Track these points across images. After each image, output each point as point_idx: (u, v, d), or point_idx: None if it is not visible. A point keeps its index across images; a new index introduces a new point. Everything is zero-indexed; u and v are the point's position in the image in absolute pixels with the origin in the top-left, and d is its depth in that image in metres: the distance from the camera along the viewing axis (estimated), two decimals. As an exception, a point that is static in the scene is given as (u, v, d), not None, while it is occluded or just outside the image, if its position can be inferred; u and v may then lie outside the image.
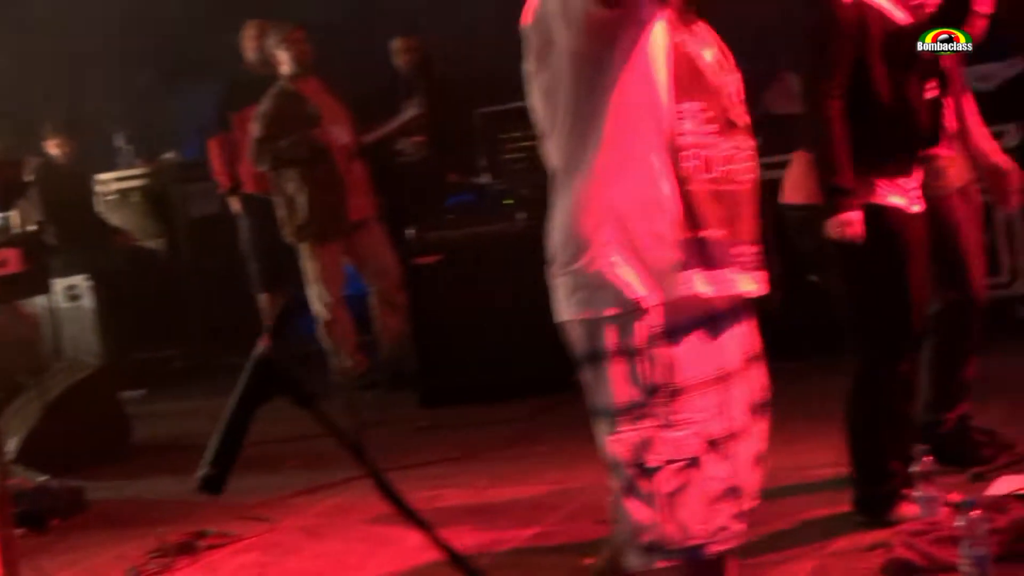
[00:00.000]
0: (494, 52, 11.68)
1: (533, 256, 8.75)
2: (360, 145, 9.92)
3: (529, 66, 3.88)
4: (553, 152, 3.89)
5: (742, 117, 3.83)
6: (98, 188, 12.17)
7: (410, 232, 9.36)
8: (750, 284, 3.81)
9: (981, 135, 6.10)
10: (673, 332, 3.72)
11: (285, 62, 9.72)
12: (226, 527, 6.75)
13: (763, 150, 8.77)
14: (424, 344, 9.14)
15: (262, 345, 3.17)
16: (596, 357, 3.75)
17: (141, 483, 8.26)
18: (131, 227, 12.13)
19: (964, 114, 6.02)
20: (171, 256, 12.15)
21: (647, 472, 3.70)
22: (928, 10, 5.67)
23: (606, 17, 3.65)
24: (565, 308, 3.84)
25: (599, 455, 3.84)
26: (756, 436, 3.90)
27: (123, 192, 12.27)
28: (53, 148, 11.59)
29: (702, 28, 3.85)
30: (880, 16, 5.44)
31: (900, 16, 5.51)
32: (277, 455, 8.01)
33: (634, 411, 3.71)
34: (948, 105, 5.85)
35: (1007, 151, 8.12)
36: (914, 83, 5.49)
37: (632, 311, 3.69)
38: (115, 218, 12.10)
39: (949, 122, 5.85)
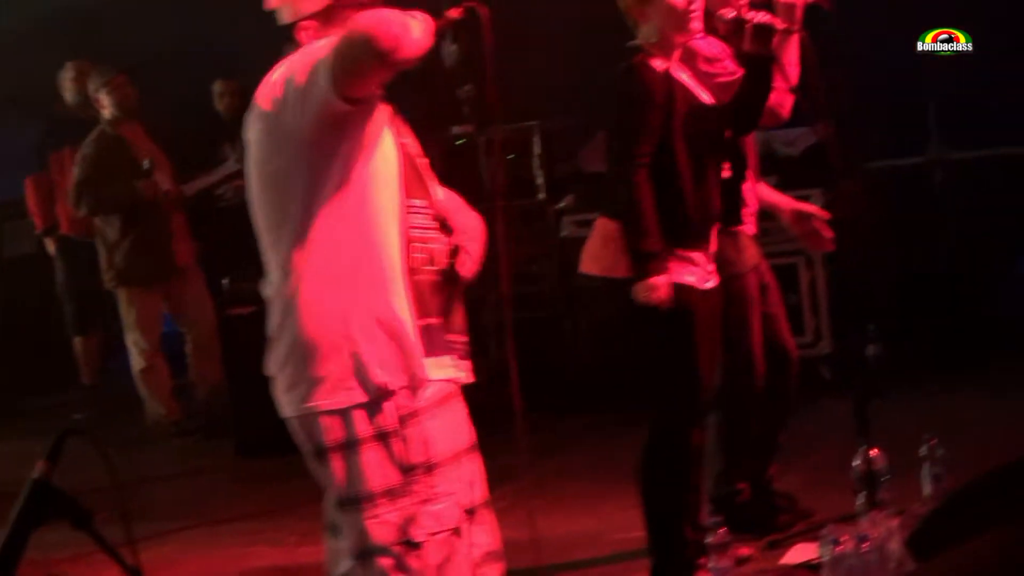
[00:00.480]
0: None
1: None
2: (181, 194, 9.83)
3: (254, 154, 3.99)
4: (276, 238, 3.98)
5: (444, 215, 4.09)
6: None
7: (225, 282, 9.26)
8: (463, 372, 4.14)
9: (774, 194, 6.20)
10: (417, 412, 3.93)
11: (108, 106, 9.61)
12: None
13: (577, 207, 8.99)
14: (239, 393, 9.02)
15: (39, 468, 3.13)
16: (349, 444, 3.91)
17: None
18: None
19: (758, 188, 6.11)
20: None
21: (415, 547, 3.90)
22: (723, 79, 5.75)
23: (344, 111, 3.82)
24: (294, 403, 3.98)
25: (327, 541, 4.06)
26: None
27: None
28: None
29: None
30: (685, 92, 5.50)
31: (704, 96, 5.58)
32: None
33: (393, 491, 3.88)
34: (748, 184, 5.93)
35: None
36: (711, 162, 5.56)
37: (380, 397, 3.88)
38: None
39: (749, 201, 5.92)
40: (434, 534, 3.93)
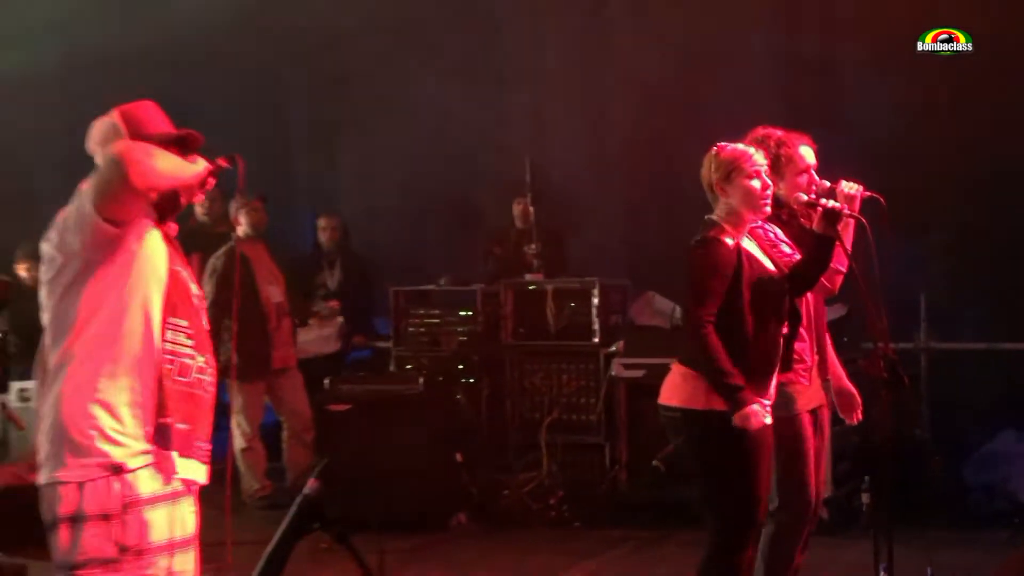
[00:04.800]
0: (402, 237, 11.97)
1: (424, 414, 8.93)
2: (286, 306, 9.92)
3: (44, 275, 4.06)
4: (54, 340, 4.03)
5: (208, 341, 4.12)
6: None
7: (326, 382, 9.32)
8: (202, 474, 4.08)
9: (834, 364, 6.23)
10: (138, 504, 3.92)
11: (243, 224, 9.70)
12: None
13: (626, 352, 9.04)
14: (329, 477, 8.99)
15: (311, 486, 3.17)
16: (76, 518, 3.87)
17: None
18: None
19: (823, 347, 6.14)
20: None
21: None
22: (784, 260, 5.81)
23: (109, 232, 3.88)
24: (46, 473, 3.95)
25: None
26: None
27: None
28: (22, 271, 11.39)
29: (191, 263, 4.12)
30: (752, 262, 5.55)
31: (769, 265, 5.65)
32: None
33: (108, 561, 3.87)
34: (806, 340, 5.96)
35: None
36: (772, 320, 5.60)
37: (107, 477, 3.86)
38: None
39: (806, 355, 5.96)
40: None
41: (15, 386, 10.65)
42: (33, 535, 8.01)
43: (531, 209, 10.67)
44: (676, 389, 5.60)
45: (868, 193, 5.87)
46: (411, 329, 10.15)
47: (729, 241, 5.49)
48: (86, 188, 3.89)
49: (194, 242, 10.14)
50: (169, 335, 3.96)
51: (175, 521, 4.02)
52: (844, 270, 6.04)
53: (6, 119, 12.02)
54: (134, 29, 11.95)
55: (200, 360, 4.04)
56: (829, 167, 6.03)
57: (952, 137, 10.02)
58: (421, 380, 9.20)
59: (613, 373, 9.27)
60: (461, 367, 9.84)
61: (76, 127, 4.42)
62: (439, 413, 9.25)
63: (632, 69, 11.29)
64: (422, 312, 10.08)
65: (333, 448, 8.94)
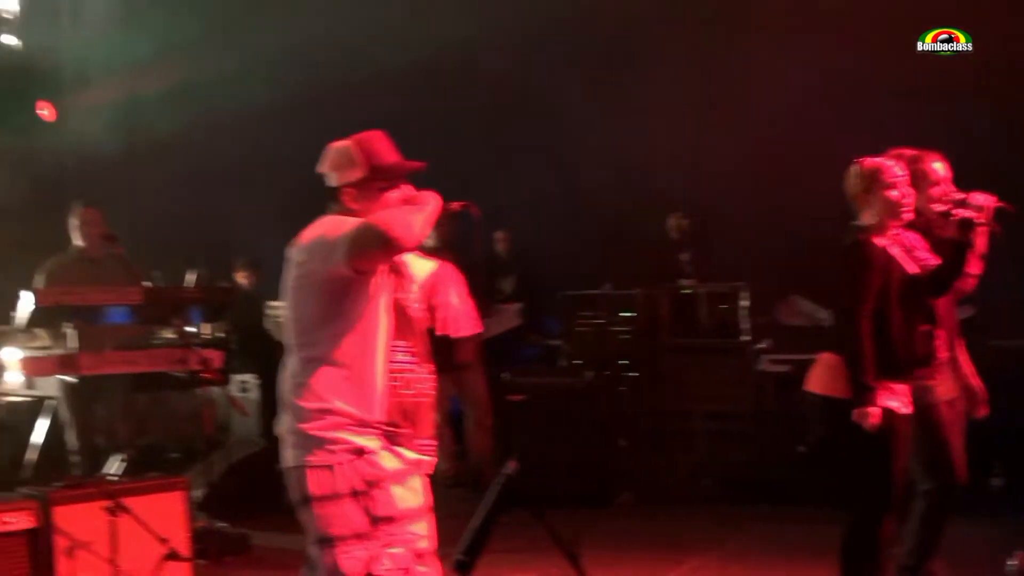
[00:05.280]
0: (571, 247, 11.98)
1: (592, 403, 8.94)
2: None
3: (289, 280, 4.06)
4: (298, 345, 4.05)
5: (428, 350, 4.14)
6: (269, 311, 12.20)
7: (505, 375, 9.36)
8: (426, 459, 4.07)
9: (965, 362, 6.07)
10: (385, 478, 3.96)
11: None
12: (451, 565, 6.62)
13: (774, 349, 8.95)
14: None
15: (510, 466, 3.17)
16: (329, 496, 3.94)
17: (287, 536, 8.12)
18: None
19: (955, 346, 6.00)
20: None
21: None
22: (930, 264, 5.70)
23: (352, 277, 3.93)
24: (292, 459, 4.01)
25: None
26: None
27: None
28: (242, 279, 11.66)
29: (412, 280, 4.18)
30: (898, 264, 5.47)
31: (911, 267, 5.55)
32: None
33: (361, 535, 3.91)
34: (941, 338, 5.84)
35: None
36: (917, 317, 5.50)
37: (352, 460, 3.92)
38: (278, 335, 12.09)
39: (941, 352, 5.83)
40: (391, 571, 3.94)
41: (236, 379, 10.89)
42: (254, 508, 8.35)
43: (684, 222, 10.59)
44: (821, 378, 5.57)
45: (999, 204, 5.73)
46: (579, 329, 10.14)
47: (879, 242, 5.43)
48: (342, 238, 3.90)
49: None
50: (396, 356, 4.01)
51: (414, 492, 4.08)
52: (977, 274, 5.90)
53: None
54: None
55: (421, 372, 4.09)
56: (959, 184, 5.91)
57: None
58: (588, 374, 9.25)
59: (761, 368, 9.18)
60: (624, 362, 9.80)
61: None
62: (604, 403, 9.24)
63: (776, 92, 11.15)
64: (589, 314, 10.07)
65: (510, 434, 8.96)
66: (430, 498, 4.21)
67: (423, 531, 4.12)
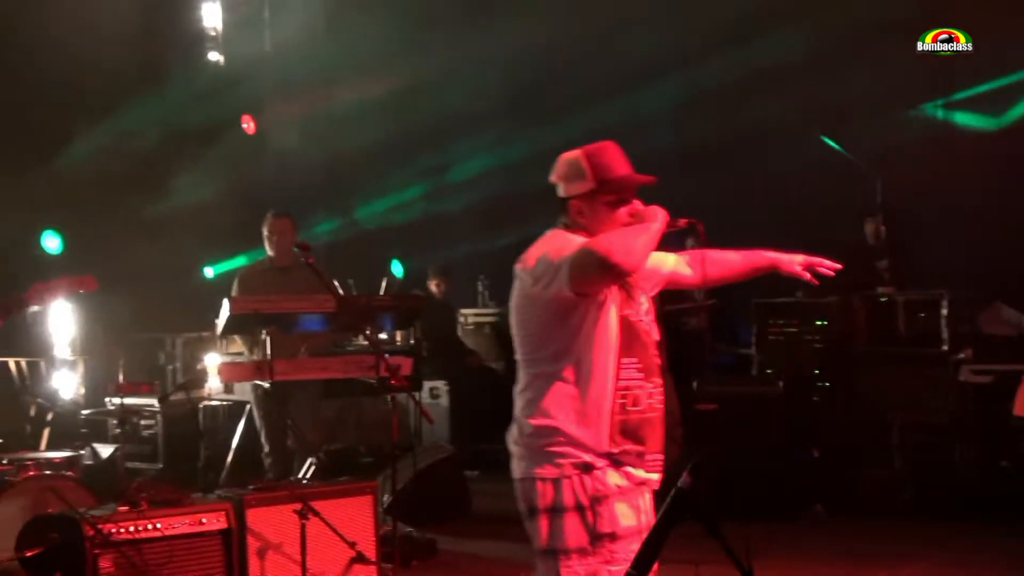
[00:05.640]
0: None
1: (784, 412, 8.74)
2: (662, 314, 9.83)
3: (516, 293, 3.99)
4: (526, 361, 4.00)
5: (658, 363, 4.01)
6: (461, 319, 12.33)
7: (696, 383, 9.23)
8: (652, 476, 3.99)
9: None
10: (609, 496, 3.87)
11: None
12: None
13: (975, 359, 8.68)
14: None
15: (685, 480, 3.10)
16: (554, 509, 3.89)
17: (476, 543, 8.21)
18: (481, 350, 12.19)
19: None
20: (508, 375, 12.06)
21: None
22: None
23: (576, 300, 3.84)
24: (520, 470, 3.96)
25: None
26: None
27: (478, 324, 12.41)
28: (433, 286, 11.78)
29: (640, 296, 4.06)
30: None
31: None
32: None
33: (584, 550, 3.84)
34: None
35: None
36: None
37: (580, 479, 3.86)
38: (470, 343, 12.22)
39: None
40: None
41: (427, 385, 11.02)
42: (442, 513, 8.40)
43: (882, 228, 10.30)
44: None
45: None
46: (771, 337, 9.93)
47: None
48: (564, 260, 3.81)
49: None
50: (623, 373, 3.93)
51: (639, 510, 4.01)
52: None
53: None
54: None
55: (649, 387, 4.00)
56: None
57: None
58: (781, 383, 9.04)
59: (962, 378, 8.85)
60: (817, 372, 9.56)
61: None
62: (797, 413, 9.03)
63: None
64: (781, 322, 9.84)
65: (701, 443, 8.81)
66: (654, 518, 4.10)
67: None
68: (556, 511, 3.91)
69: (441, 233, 13.51)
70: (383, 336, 10.73)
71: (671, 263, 4.34)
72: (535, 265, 3.89)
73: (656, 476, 4.02)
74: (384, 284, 10.62)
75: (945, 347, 9.14)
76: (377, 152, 13.47)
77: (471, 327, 12.36)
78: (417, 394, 10.38)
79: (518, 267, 3.98)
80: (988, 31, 9.92)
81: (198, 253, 12.20)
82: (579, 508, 3.89)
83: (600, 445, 3.88)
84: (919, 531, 8.23)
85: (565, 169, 4.07)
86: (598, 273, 3.78)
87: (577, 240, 3.90)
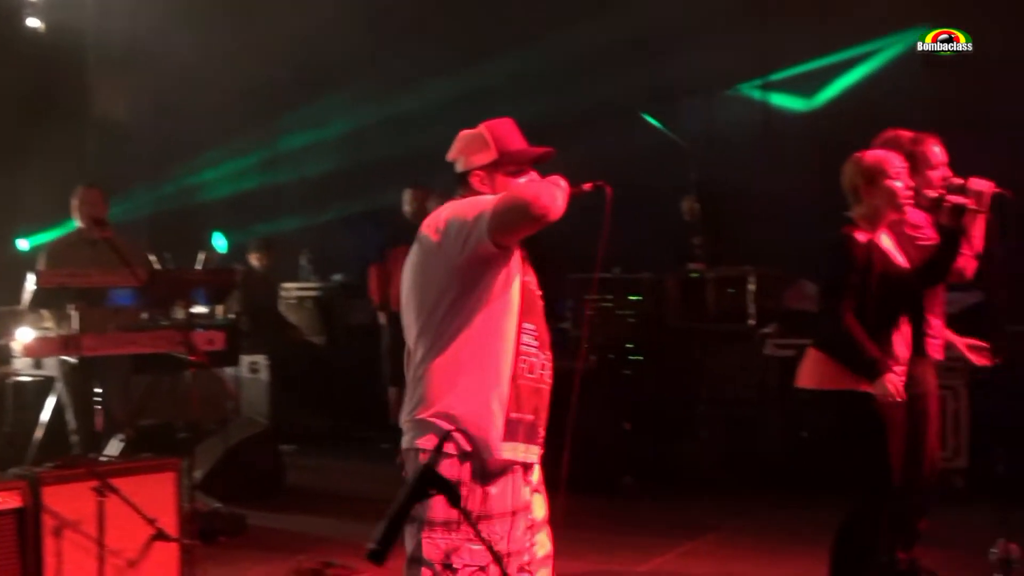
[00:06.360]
0: (581, 228, 11.88)
1: (596, 387, 8.85)
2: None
3: (415, 256, 4.01)
4: (421, 329, 3.97)
5: (548, 338, 4.06)
6: (283, 293, 12.21)
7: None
8: (536, 455, 4.03)
9: (952, 337, 5.99)
10: (487, 475, 3.89)
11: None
12: (349, 561, 6.59)
13: (779, 333, 8.87)
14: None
15: (425, 459, 3.12)
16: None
17: (289, 517, 8.18)
18: (303, 325, 12.12)
19: (943, 328, 5.91)
20: (330, 350, 12.12)
21: (452, 570, 3.85)
22: (923, 242, 5.62)
23: (493, 252, 3.83)
24: (408, 440, 3.94)
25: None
26: (529, 552, 4.05)
27: (300, 299, 12.31)
28: (255, 260, 11.65)
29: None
30: (884, 258, 5.37)
31: (900, 259, 5.46)
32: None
33: (449, 524, 3.83)
34: (936, 321, 5.76)
35: (962, 359, 8.04)
36: (901, 312, 5.41)
37: (461, 455, 3.85)
38: (292, 317, 12.12)
39: (936, 334, 5.75)
40: (467, 566, 3.87)
41: (246, 359, 10.90)
42: (256, 489, 8.33)
43: (696, 206, 10.49)
44: (811, 372, 5.49)
45: (997, 189, 5.63)
46: (587, 312, 10.04)
47: (860, 238, 5.34)
48: (483, 214, 3.82)
49: (400, 236, 10.27)
50: (524, 338, 3.95)
51: (516, 492, 3.98)
52: (975, 259, 5.80)
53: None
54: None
55: (543, 357, 4.04)
56: (974, 165, 5.80)
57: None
58: (594, 358, 9.14)
59: (767, 352, 9.08)
60: (631, 346, 9.71)
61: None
62: (609, 387, 9.14)
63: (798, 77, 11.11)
64: (596, 297, 9.97)
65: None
66: (546, 508, 4.14)
67: (509, 532, 4.01)
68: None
69: (268, 206, 13.36)
70: (201, 310, 10.60)
71: None
72: (447, 227, 3.90)
73: (537, 451, 4.05)
74: (203, 257, 10.46)
75: (752, 322, 9.37)
76: (205, 122, 13.24)
77: (293, 301, 12.26)
78: (233, 368, 10.36)
79: (422, 232, 3.99)
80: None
81: (11, 225, 11.87)
82: (455, 483, 3.83)
83: (494, 414, 3.87)
84: (724, 501, 8.47)
85: (467, 143, 4.15)
86: (524, 220, 3.79)
87: (487, 198, 3.94)
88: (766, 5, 11.39)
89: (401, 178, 10.90)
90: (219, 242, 11.75)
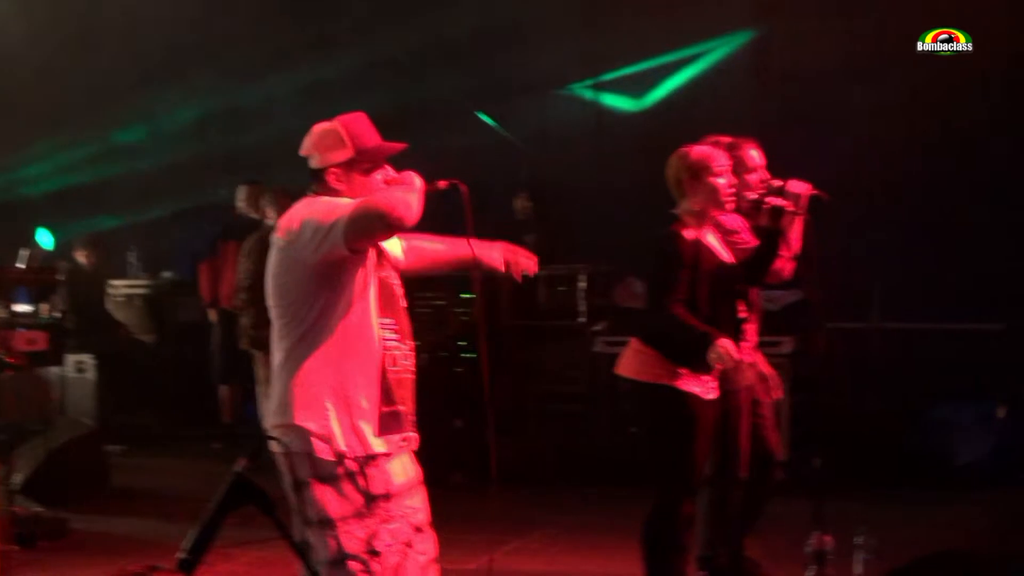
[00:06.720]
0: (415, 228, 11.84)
1: (427, 385, 8.81)
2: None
3: (271, 266, 4.03)
4: (282, 330, 4.01)
5: (409, 329, 4.12)
6: (110, 291, 11.93)
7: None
8: (411, 439, 4.10)
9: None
10: (378, 457, 3.96)
11: (271, 216, 9.62)
12: (174, 565, 6.44)
13: (609, 330, 8.99)
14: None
15: (240, 464, 3.07)
16: (324, 477, 3.89)
17: (113, 520, 7.99)
18: (131, 323, 11.86)
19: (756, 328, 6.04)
20: (159, 348, 11.88)
21: (376, 555, 3.92)
22: (740, 246, 5.73)
23: (347, 256, 3.88)
24: (282, 445, 3.94)
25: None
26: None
27: (129, 296, 12.02)
28: (81, 257, 11.36)
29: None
30: (711, 254, 5.47)
31: (725, 256, 5.56)
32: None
33: (360, 513, 3.90)
34: (752, 323, 5.87)
35: (783, 356, 8.26)
36: (725, 307, 5.51)
37: (340, 454, 3.89)
38: (120, 315, 11.85)
39: (750, 337, 5.86)
40: (391, 546, 3.96)
41: (72, 359, 10.64)
42: (79, 492, 8.12)
43: (528, 204, 10.57)
44: (630, 362, 5.56)
45: (814, 191, 5.78)
46: (418, 309, 10.03)
47: (689, 235, 5.40)
48: (339, 220, 3.83)
49: (232, 232, 10.13)
50: (385, 334, 3.99)
51: (406, 467, 4.08)
52: (792, 260, 5.94)
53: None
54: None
55: (405, 348, 4.08)
56: (795, 167, 5.94)
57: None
58: (425, 355, 9.13)
59: (597, 349, 9.19)
60: (462, 343, 9.73)
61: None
62: (441, 385, 9.14)
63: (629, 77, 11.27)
64: (428, 295, 9.95)
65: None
66: (419, 471, 4.21)
67: (418, 504, 4.14)
68: (326, 479, 3.90)
69: (97, 201, 13.04)
70: (25, 309, 10.32)
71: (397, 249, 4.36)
72: (301, 229, 3.89)
73: (413, 435, 4.11)
74: (26, 254, 10.17)
75: (583, 319, 9.47)
76: (33, 114, 12.87)
77: (122, 299, 11.97)
78: (58, 368, 10.10)
79: (277, 236, 3.98)
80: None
81: None
82: (349, 474, 3.90)
83: (367, 406, 3.92)
84: (554, 498, 8.53)
85: (322, 139, 4.12)
86: (379, 228, 3.86)
87: (345, 201, 3.95)
88: (598, 7, 11.53)
89: (234, 173, 10.75)
90: (44, 238, 11.44)
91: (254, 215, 9.95)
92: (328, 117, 4.19)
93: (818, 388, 8.26)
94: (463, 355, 9.71)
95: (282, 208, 9.54)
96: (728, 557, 5.96)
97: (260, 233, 9.65)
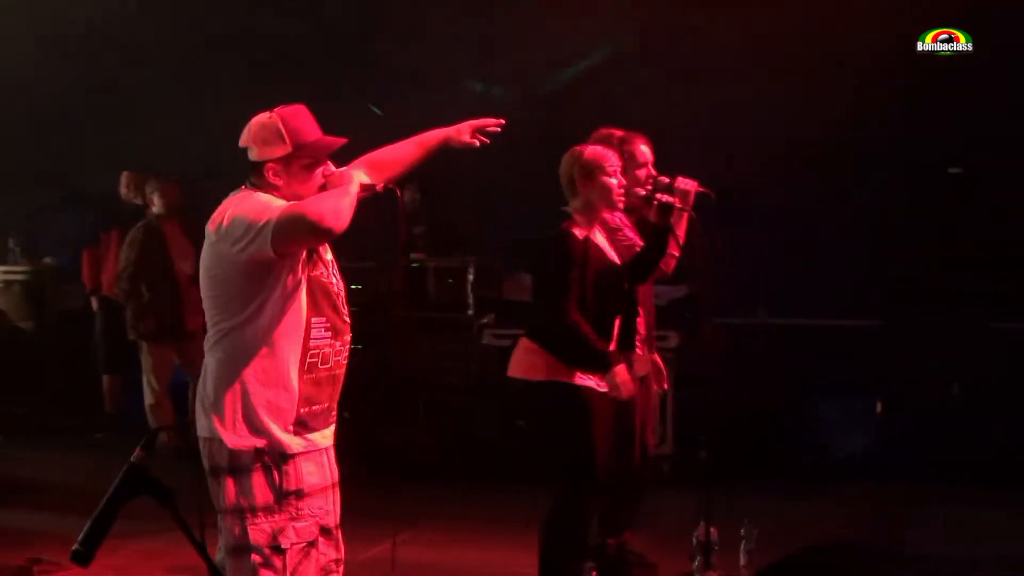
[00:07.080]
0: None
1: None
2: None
3: (203, 259, 4.03)
4: (212, 323, 4.02)
5: (346, 321, 4.13)
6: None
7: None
8: (329, 439, 4.11)
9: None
10: (294, 456, 3.96)
11: (156, 204, 9.48)
12: (57, 558, 6.34)
13: (496, 323, 9.01)
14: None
15: (136, 454, 3.03)
16: (239, 469, 3.91)
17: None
18: (10, 310, 11.59)
19: (652, 323, 6.11)
20: (39, 336, 11.62)
21: (280, 551, 3.93)
22: (624, 244, 5.78)
23: (276, 261, 3.88)
24: (208, 428, 3.97)
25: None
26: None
27: (7, 283, 11.76)
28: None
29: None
30: (599, 253, 5.51)
31: (613, 255, 5.61)
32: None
33: (270, 508, 3.93)
34: (641, 316, 5.93)
35: (669, 349, 8.36)
36: (612, 305, 5.56)
37: (261, 448, 3.92)
38: None
39: (642, 331, 5.93)
40: (295, 544, 3.97)
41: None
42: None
43: (417, 196, 10.55)
44: (521, 362, 5.58)
45: (701, 189, 5.86)
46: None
47: (579, 233, 5.44)
48: (268, 223, 3.79)
49: (115, 220, 9.96)
50: (313, 333, 3.97)
51: (324, 467, 4.07)
52: (677, 255, 6.02)
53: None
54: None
55: (337, 344, 4.07)
56: (683, 164, 6.00)
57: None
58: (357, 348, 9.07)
59: (484, 342, 9.22)
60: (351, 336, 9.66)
61: None
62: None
63: (519, 69, 11.26)
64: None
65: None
66: (337, 473, 4.18)
67: (330, 507, 4.12)
68: (241, 470, 3.89)
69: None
70: None
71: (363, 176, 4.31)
72: (230, 226, 3.85)
73: (331, 435, 4.11)
74: None
75: (471, 312, 9.49)
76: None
77: (0, 286, 11.72)
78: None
79: (208, 228, 3.93)
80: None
81: None
82: (264, 467, 3.89)
83: (287, 405, 3.92)
84: (442, 489, 8.51)
85: (260, 133, 4.04)
86: (307, 236, 3.83)
87: (277, 202, 3.90)
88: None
89: (119, 160, 10.56)
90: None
91: (138, 202, 9.81)
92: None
93: (704, 382, 8.35)
94: (353, 347, 9.61)
95: (168, 196, 9.54)
96: (615, 548, 6.03)
97: (145, 221, 9.51)
